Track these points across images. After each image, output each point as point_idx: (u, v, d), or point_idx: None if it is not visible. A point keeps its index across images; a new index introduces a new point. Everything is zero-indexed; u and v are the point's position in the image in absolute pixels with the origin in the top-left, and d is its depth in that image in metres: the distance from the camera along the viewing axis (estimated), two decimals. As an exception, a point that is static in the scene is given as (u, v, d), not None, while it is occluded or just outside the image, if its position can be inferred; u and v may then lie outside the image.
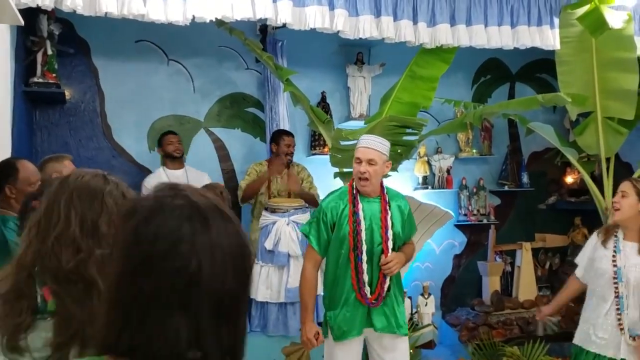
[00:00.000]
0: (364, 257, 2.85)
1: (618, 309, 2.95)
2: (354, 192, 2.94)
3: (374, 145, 2.91)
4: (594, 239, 3.17)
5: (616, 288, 2.95)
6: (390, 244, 2.89)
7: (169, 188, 0.94)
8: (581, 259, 3.24)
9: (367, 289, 2.87)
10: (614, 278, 2.96)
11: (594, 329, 3.02)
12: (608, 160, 4.75)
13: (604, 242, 3.06)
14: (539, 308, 3.51)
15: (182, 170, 4.53)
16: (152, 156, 4.84)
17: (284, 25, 3.83)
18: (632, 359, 2.92)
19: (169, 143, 4.47)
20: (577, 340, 3.13)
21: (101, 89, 4.78)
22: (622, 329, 2.94)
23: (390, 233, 2.90)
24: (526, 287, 5.40)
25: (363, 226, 2.86)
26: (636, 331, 2.94)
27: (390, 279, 2.94)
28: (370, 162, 2.88)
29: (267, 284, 4.13)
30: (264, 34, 4.97)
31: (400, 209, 3.01)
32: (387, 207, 2.94)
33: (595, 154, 4.88)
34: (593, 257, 3.11)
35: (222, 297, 0.89)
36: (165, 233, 0.87)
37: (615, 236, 3.04)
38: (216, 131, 5.11)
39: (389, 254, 2.88)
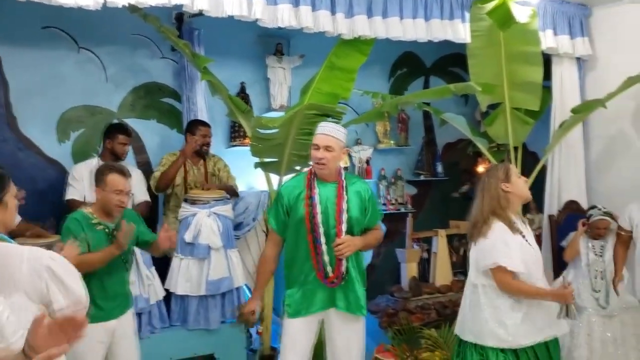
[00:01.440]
0: (323, 239, 2.98)
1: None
2: (312, 177, 3.08)
3: (332, 133, 3.05)
4: (502, 231, 2.96)
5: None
6: (343, 227, 3.01)
7: None
8: (512, 255, 2.92)
9: (329, 269, 2.99)
10: (537, 259, 3.05)
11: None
12: (516, 149, 4.99)
13: (512, 230, 2.98)
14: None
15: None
16: (62, 148, 4.62)
17: (201, 13, 3.76)
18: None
19: (122, 144, 4.27)
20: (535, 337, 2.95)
21: (5, 78, 4.49)
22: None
23: (344, 217, 3.01)
24: (442, 272, 5.59)
25: (318, 209, 3.00)
26: None
27: (348, 261, 3.04)
28: (327, 148, 3.02)
29: (186, 277, 4.04)
30: (180, 22, 4.86)
31: (360, 195, 3.12)
32: (343, 192, 3.05)
33: (504, 144, 5.12)
34: (516, 248, 2.96)
35: None
36: None
37: (514, 222, 3.04)
38: (130, 122, 4.92)
39: (341, 237, 2.99)
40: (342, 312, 3.07)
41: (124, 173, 3.14)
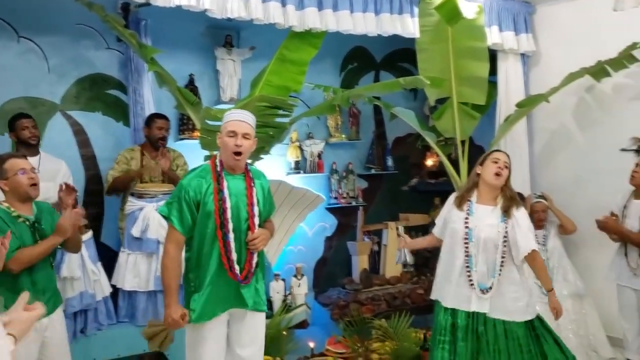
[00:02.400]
0: (232, 235, 2.80)
1: (468, 267, 3.23)
2: (218, 169, 2.87)
3: (248, 120, 2.87)
4: (451, 202, 3.47)
5: (467, 247, 3.24)
6: (256, 220, 2.87)
7: None
8: (438, 219, 3.55)
9: (237, 267, 2.82)
10: (465, 238, 3.25)
11: (448, 284, 3.30)
12: (463, 143, 5.09)
13: (459, 206, 3.35)
14: (402, 239, 3.70)
15: (37, 157, 4.18)
16: (1, 141, 4.44)
17: (148, 4, 3.68)
18: (483, 311, 3.21)
19: (23, 128, 4.01)
20: (434, 295, 3.43)
21: (-60, 68, 4.30)
22: (472, 285, 3.21)
23: (256, 209, 2.88)
24: (392, 264, 5.67)
25: (229, 204, 2.80)
26: (485, 285, 3.21)
27: (258, 256, 2.92)
28: (245, 135, 2.83)
29: (134, 273, 3.96)
30: (127, 12, 4.72)
31: (262, 187, 2.99)
32: (252, 184, 2.91)
33: (452, 137, 5.22)
34: (448, 218, 3.41)
35: None
36: None
37: (469, 200, 3.33)
38: (74, 114, 4.78)
39: (255, 231, 2.86)
40: (252, 309, 2.92)
41: (20, 155, 3.04)
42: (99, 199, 4.70)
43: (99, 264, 3.93)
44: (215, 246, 2.80)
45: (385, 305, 5.09)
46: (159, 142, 4.41)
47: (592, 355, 4.61)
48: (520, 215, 3.26)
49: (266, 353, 3.99)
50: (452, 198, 3.48)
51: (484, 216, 3.26)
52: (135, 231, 3.99)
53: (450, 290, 3.30)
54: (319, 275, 6.00)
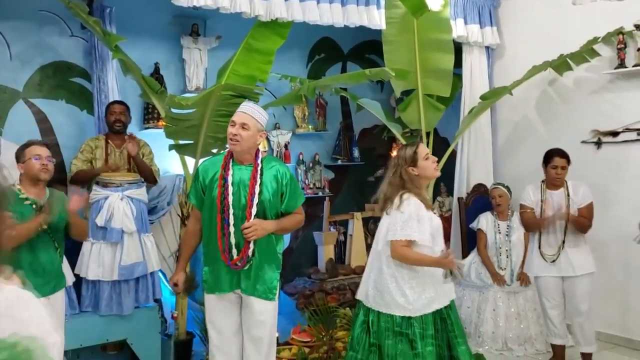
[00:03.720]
0: (231, 221, 2.95)
1: None
2: (229, 158, 3.06)
3: (250, 112, 3.01)
4: (418, 207, 3.03)
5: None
6: (253, 211, 2.95)
7: None
8: (411, 228, 2.98)
9: (234, 252, 2.96)
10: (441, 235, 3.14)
11: (434, 287, 3.03)
12: (428, 135, 5.16)
13: (427, 207, 3.10)
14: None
15: None
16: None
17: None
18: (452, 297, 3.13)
19: None
20: (419, 311, 3.01)
21: None
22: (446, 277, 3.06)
23: (255, 200, 2.96)
24: (358, 254, 5.73)
25: (230, 190, 2.96)
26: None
27: (256, 244, 2.97)
28: (243, 126, 2.95)
29: (98, 262, 3.92)
30: (91, 0, 4.66)
31: (277, 178, 3.04)
32: (258, 175, 3.00)
33: (417, 129, 5.28)
34: (423, 222, 3.04)
35: None
36: None
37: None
38: (37, 102, 4.71)
39: (251, 220, 2.95)
40: (248, 295, 3.00)
41: (41, 143, 3.31)
42: (62, 187, 4.63)
43: (61, 253, 3.88)
44: (216, 230, 3.00)
45: (350, 294, 5.14)
46: (114, 125, 4.38)
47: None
48: None
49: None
50: (416, 205, 3.02)
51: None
52: (100, 220, 3.95)
53: (435, 293, 3.03)
54: (285, 265, 5.92)
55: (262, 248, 3.01)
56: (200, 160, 4.02)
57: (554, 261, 4.08)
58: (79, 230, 3.38)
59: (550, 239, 4.11)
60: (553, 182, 4.12)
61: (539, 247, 4.16)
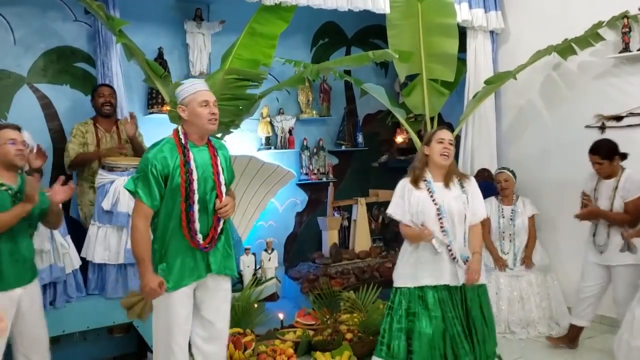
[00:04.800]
0: (196, 207, 2.85)
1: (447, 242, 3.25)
2: (183, 142, 2.87)
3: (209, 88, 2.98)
4: (404, 187, 3.36)
5: (442, 223, 3.24)
6: (223, 189, 2.94)
7: None
8: (396, 207, 3.37)
9: (200, 237, 2.87)
10: (438, 214, 3.25)
11: (423, 265, 3.28)
12: (432, 119, 5.16)
13: (417, 187, 3.31)
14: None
15: None
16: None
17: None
18: (462, 281, 3.25)
19: None
20: (401, 282, 3.38)
21: None
22: (454, 258, 3.24)
23: (222, 178, 2.94)
24: (361, 239, 5.75)
25: (195, 176, 2.85)
26: (465, 255, 3.26)
27: (224, 223, 2.98)
28: (215, 104, 2.91)
29: (104, 245, 3.96)
30: (94, -16, 4.65)
31: (225, 157, 3.05)
32: (216, 154, 2.97)
33: (421, 114, 5.28)
34: (410, 202, 3.30)
35: None
36: None
37: (425, 180, 3.32)
38: (42, 87, 4.71)
39: (223, 198, 2.92)
40: (215, 275, 2.96)
41: (14, 127, 3.13)
42: (62, 173, 4.66)
43: (68, 237, 3.90)
44: (179, 218, 2.84)
45: (354, 279, 5.18)
46: (103, 108, 4.39)
47: (553, 327, 4.77)
48: (473, 185, 3.42)
49: (236, 325, 4.05)
50: (403, 184, 3.38)
51: (445, 192, 3.28)
52: (106, 204, 3.97)
53: (426, 269, 3.28)
54: (290, 250, 6.06)
55: (226, 227, 3.02)
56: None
57: (602, 252, 4.11)
58: (57, 220, 3.29)
59: (600, 229, 4.13)
60: (599, 175, 4.14)
61: (593, 235, 4.17)
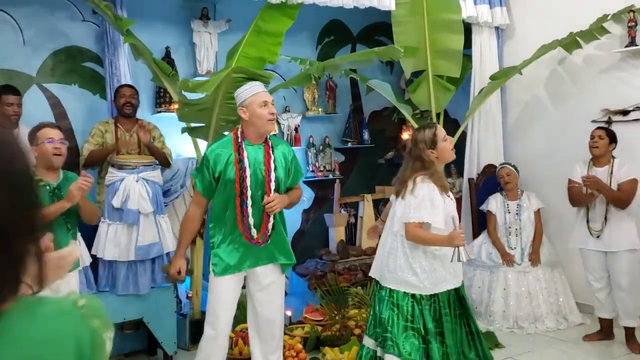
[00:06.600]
0: (249, 202, 3.03)
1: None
2: (239, 140, 3.07)
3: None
4: (432, 189, 3.05)
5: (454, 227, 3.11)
6: (272, 185, 3.07)
7: None
8: (424, 209, 3.00)
9: (254, 231, 3.05)
10: (452, 218, 3.11)
11: (446, 267, 3.07)
12: (438, 116, 5.17)
13: (443, 191, 3.10)
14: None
15: (16, 130, 4.16)
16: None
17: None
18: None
19: (8, 104, 4.01)
20: (429, 290, 3.06)
21: None
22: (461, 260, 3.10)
23: (272, 175, 3.08)
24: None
25: (248, 172, 3.03)
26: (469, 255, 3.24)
27: (275, 218, 3.12)
28: (273, 103, 3.10)
29: (115, 243, 3.98)
30: (101, -16, 4.69)
31: (285, 155, 3.19)
32: (271, 152, 3.11)
33: (427, 110, 5.29)
34: (436, 205, 3.04)
35: None
36: None
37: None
38: (51, 87, 4.77)
39: (271, 194, 3.05)
40: (269, 265, 3.14)
41: (53, 125, 3.27)
42: (77, 171, 4.68)
43: (78, 235, 3.94)
44: (235, 211, 3.05)
45: (361, 275, 5.20)
46: (124, 108, 4.41)
47: (561, 321, 4.78)
48: None
49: (245, 321, 4.07)
50: (428, 185, 3.04)
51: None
52: (116, 202, 3.99)
53: (446, 273, 3.08)
54: (297, 247, 6.07)
55: (279, 220, 3.16)
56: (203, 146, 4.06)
57: (599, 236, 4.19)
58: (89, 213, 3.41)
59: (596, 214, 4.21)
60: (590, 151, 4.25)
61: (587, 222, 4.26)
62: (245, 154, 3.06)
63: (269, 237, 3.11)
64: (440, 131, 3.15)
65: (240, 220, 3.04)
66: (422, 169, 3.08)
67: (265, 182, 3.07)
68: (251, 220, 3.05)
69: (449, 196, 3.15)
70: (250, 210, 3.04)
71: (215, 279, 3.10)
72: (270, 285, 3.15)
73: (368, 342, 3.22)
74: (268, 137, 3.19)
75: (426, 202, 2.99)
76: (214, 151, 3.09)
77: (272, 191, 3.08)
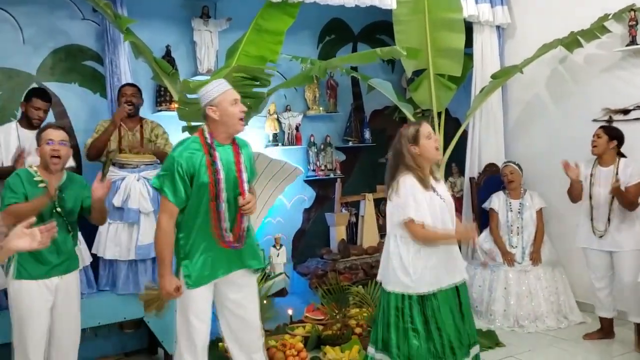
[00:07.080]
0: (224, 205, 2.87)
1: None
2: (208, 141, 2.89)
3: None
4: (414, 186, 3.04)
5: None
6: (246, 186, 2.94)
7: None
8: (409, 207, 3.01)
9: (229, 235, 2.90)
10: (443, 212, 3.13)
11: (443, 264, 3.05)
12: (440, 115, 5.16)
13: (426, 188, 3.08)
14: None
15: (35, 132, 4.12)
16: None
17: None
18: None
19: (35, 108, 3.99)
20: (426, 287, 3.04)
21: None
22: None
23: (245, 176, 2.94)
24: (369, 234, 5.78)
25: (222, 175, 2.86)
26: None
27: (248, 220, 3.00)
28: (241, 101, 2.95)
29: (115, 242, 3.98)
30: (101, -17, 4.68)
31: (248, 155, 3.06)
32: (239, 151, 2.97)
33: (429, 109, 5.28)
34: (419, 202, 3.03)
35: None
36: None
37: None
38: (51, 86, 4.75)
39: (246, 196, 2.92)
40: (241, 270, 2.99)
41: (57, 126, 3.23)
42: (77, 170, 4.69)
43: (79, 234, 3.94)
44: (209, 216, 2.86)
45: (362, 274, 5.20)
46: (127, 108, 4.38)
47: (562, 320, 4.78)
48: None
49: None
50: (412, 182, 3.03)
51: (438, 189, 3.14)
52: (117, 201, 4.00)
53: (442, 270, 3.05)
54: (298, 246, 6.09)
55: (250, 224, 3.05)
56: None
57: (602, 236, 4.20)
58: (100, 216, 3.39)
59: (600, 213, 4.21)
60: (592, 151, 4.25)
61: (591, 221, 4.26)
62: (217, 155, 2.87)
63: (245, 239, 2.97)
64: (425, 128, 3.09)
65: (216, 225, 2.86)
66: (403, 165, 3.06)
67: (239, 183, 2.92)
68: (226, 224, 2.88)
69: (437, 193, 3.09)
70: (226, 214, 2.87)
71: (189, 292, 2.86)
72: (244, 288, 3.01)
73: (371, 350, 3.17)
74: (235, 137, 3.02)
75: (409, 199, 2.99)
76: (184, 153, 2.83)
77: (246, 192, 2.94)
